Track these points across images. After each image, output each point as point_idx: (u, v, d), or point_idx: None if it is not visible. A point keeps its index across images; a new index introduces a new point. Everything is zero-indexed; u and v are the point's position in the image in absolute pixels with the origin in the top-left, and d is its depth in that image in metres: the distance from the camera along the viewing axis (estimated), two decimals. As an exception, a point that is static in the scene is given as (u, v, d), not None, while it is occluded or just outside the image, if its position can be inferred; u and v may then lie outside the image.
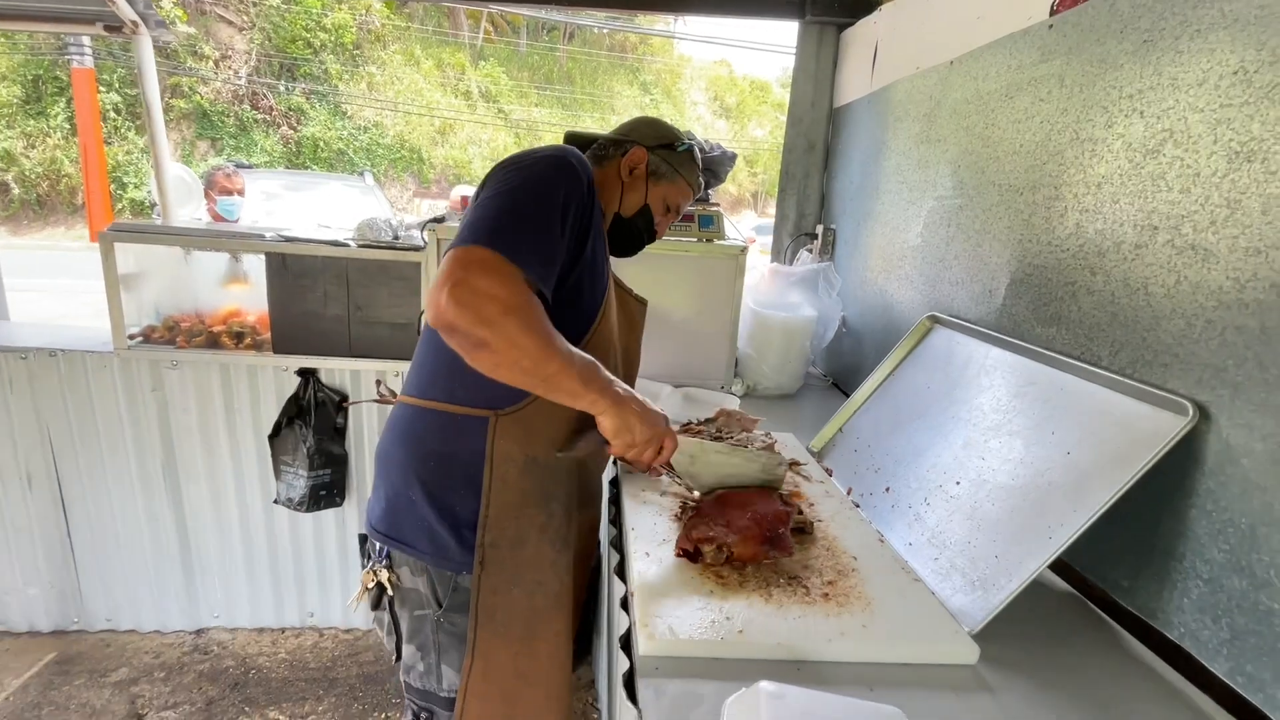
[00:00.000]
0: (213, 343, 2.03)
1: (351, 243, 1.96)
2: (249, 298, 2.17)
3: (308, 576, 2.34)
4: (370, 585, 1.10)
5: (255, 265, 2.12)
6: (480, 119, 17.96)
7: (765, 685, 0.69)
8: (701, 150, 1.98)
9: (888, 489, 1.35)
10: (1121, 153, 1.05)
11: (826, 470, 1.52)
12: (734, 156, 2.14)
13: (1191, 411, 0.88)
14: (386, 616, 1.12)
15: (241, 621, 2.36)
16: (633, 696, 0.80)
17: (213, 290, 2.15)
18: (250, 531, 2.25)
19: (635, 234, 1.24)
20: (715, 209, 2.07)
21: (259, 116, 14.47)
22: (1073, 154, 1.15)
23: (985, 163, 1.42)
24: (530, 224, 0.89)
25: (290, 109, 14.94)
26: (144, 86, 2.79)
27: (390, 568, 1.08)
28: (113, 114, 12.96)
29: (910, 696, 0.82)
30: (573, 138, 1.26)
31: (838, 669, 0.86)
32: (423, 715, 1.16)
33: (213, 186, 3.33)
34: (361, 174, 6.48)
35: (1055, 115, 1.20)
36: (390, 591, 1.09)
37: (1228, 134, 0.88)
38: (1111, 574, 1.05)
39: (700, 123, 21.24)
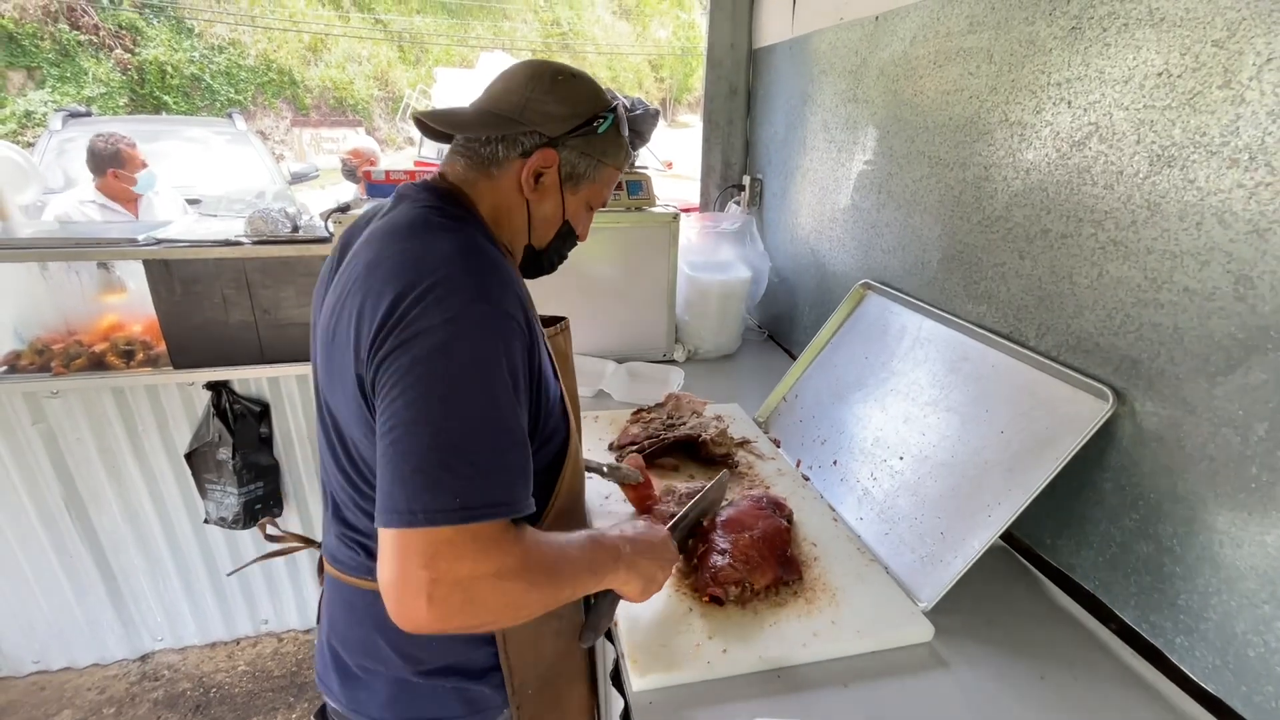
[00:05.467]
0: (98, 364, 1.80)
1: (245, 239, 1.75)
2: (129, 305, 1.92)
3: (254, 584, 2.25)
4: None
5: (131, 268, 1.87)
6: (356, 31, 16.02)
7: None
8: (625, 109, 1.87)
9: (835, 462, 1.42)
10: (1049, 141, 1.07)
11: (774, 442, 1.58)
12: (657, 113, 2.04)
13: (1111, 398, 0.96)
14: None
15: (190, 639, 2.26)
16: (633, 737, 0.84)
17: (83, 302, 1.88)
18: (181, 551, 2.11)
19: (554, 257, 0.98)
20: (643, 172, 1.98)
21: (82, 38, 12.22)
22: (1002, 136, 1.17)
23: (915, 132, 1.42)
24: (487, 442, 0.68)
25: (121, 27, 12.71)
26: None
27: None
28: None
29: (880, 689, 0.91)
30: (425, 121, 0.84)
31: (814, 670, 0.93)
32: None
33: (117, 161, 2.82)
34: (229, 115, 5.68)
35: (985, 93, 1.20)
36: None
37: (1150, 135, 0.91)
38: (1036, 531, 1.17)
39: (600, 25, 19.87)
